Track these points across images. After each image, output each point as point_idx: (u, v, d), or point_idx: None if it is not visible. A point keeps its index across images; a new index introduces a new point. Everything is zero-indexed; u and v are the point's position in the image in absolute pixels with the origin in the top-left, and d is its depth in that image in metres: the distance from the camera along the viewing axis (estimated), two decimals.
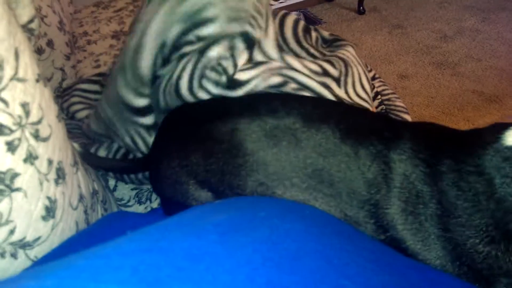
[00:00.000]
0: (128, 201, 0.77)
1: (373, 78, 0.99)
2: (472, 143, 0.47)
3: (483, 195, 0.44)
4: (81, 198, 0.54)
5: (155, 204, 0.76)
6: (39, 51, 0.94)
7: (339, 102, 0.66)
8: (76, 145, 0.65)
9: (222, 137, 0.53)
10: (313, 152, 0.50)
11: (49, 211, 0.46)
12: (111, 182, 0.80)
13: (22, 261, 0.44)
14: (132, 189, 0.79)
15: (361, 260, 0.39)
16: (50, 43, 1.01)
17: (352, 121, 0.53)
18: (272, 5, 2.45)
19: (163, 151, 0.59)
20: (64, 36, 1.07)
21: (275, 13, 0.79)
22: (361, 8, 2.65)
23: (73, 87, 0.94)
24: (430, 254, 0.46)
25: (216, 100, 0.62)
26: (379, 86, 0.97)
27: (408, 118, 0.88)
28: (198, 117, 0.59)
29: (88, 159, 0.69)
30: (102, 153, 0.76)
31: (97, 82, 0.94)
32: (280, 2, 2.57)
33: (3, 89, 0.40)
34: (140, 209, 0.76)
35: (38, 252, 0.45)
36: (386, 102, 0.92)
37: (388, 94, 0.94)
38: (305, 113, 0.53)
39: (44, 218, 0.45)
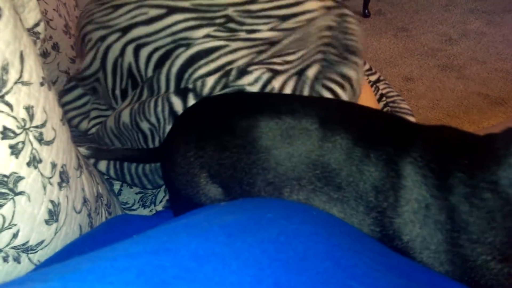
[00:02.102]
0: (133, 204, 0.77)
1: (378, 80, 0.98)
2: (485, 155, 0.44)
3: (498, 213, 0.41)
4: (85, 201, 0.54)
5: (159, 208, 0.76)
6: (44, 54, 0.95)
7: (356, 104, 0.65)
8: (82, 149, 0.65)
9: (239, 132, 0.53)
10: (326, 154, 0.49)
11: (53, 215, 0.46)
12: (116, 186, 0.80)
13: (25, 265, 0.44)
14: (136, 193, 0.79)
15: (369, 261, 0.39)
16: (55, 46, 1.01)
17: (367, 123, 0.52)
18: None
19: (181, 139, 0.58)
20: (69, 39, 1.07)
21: None
22: (366, 11, 2.65)
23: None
24: (437, 268, 0.44)
25: (239, 94, 0.62)
26: (384, 88, 0.97)
27: (413, 120, 0.87)
28: (221, 109, 0.58)
29: (98, 155, 0.69)
30: None
31: (73, 88, 0.92)
32: None
33: (7, 92, 0.40)
34: (144, 212, 0.76)
35: (41, 256, 0.45)
36: (391, 104, 0.91)
37: (393, 96, 0.94)
38: (324, 114, 0.52)
39: (47, 222, 0.45)
